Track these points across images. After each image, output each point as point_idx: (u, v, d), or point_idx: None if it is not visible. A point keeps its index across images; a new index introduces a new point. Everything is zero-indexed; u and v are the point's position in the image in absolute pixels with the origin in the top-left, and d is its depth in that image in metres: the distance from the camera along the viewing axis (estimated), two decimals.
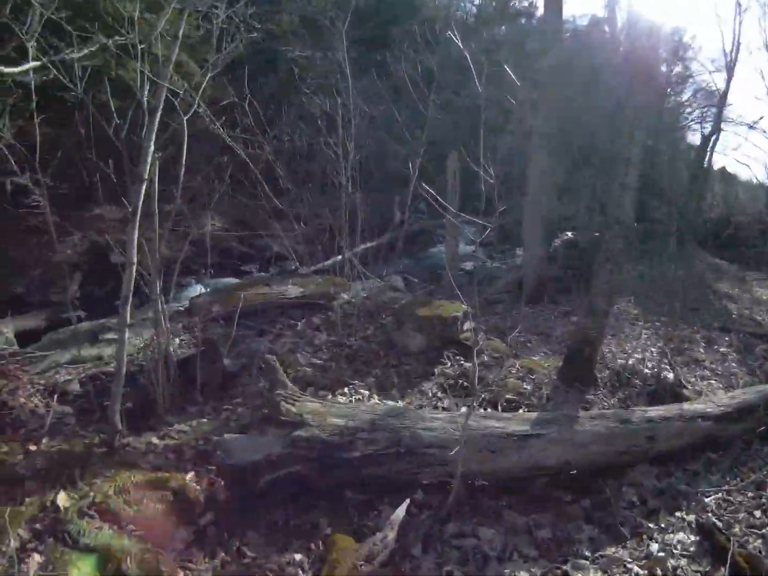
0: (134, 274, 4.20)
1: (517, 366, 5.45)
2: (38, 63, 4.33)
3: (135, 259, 4.19)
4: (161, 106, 3.86)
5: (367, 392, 5.06)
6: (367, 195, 6.40)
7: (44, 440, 4.07)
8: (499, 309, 7.82)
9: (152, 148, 4.03)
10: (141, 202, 4.14)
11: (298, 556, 3.15)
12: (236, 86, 6.31)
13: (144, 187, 4.11)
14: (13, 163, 4.67)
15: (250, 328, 5.63)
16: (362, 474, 3.61)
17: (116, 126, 4.30)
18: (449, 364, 5.51)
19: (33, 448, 4.10)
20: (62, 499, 3.30)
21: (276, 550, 3.18)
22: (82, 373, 4.85)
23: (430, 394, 5.02)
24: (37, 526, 3.13)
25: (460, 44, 5.27)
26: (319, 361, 5.47)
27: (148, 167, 4.08)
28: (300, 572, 3.07)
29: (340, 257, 7.21)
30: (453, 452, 3.34)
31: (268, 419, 3.78)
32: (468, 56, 5.05)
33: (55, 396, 4.50)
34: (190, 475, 3.89)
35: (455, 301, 5.89)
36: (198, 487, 3.74)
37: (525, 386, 5.06)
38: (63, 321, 7.45)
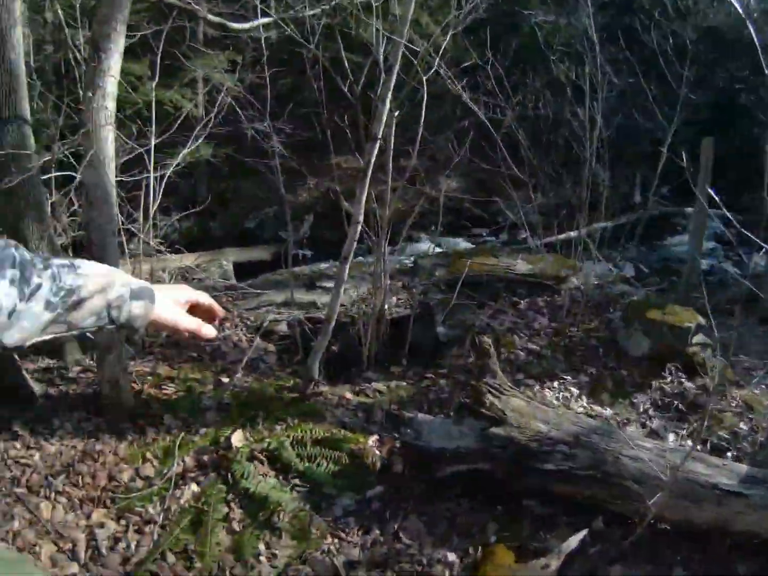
0: (358, 231, 4.14)
1: (738, 398, 4.46)
2: (267, 19, 4.41)
3: (361, 218, 4.11)
4: (398, 65, 3.65)
5: (576, 392, 4.50)
6: (612, 172, 5.65)
7: (239, 374, 4.17)
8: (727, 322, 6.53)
9: (387, 106, 3.86)
10: (373, 160, 4.02)
11: (451, 556, 2.85)
12: (478, 49, 5.98)
13: (377, 145, 3.97)
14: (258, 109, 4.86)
15: (470, 298, 5.32)
16: (549, 488, 3.21)
17: (350, 82, 4.25)
18: (669, 379, 4.69)
19: (225, 380, 4.28)
20: (237, 438, 3.36)
21: (432, 544, 2.90)
22: (291, 316, 4.95)
23: (641, 409, 4.35)
24: (205, 458, 3.22)
25: (739, 8, 4.21)
26: (535, 347, 4.99)
27: (382, 125, 3.92)
28: (447, 573, 2.78)
29: (574, 234, 6.58)
30: (653, 500, 2.72)
31: (466, 407, 3.49)
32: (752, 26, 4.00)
33: (260, 333, 4.63)
34: (373, 439, 3.78)
35: (689, 309, 4.98)
36: (377, 454, 3.62)
37: (742, 426, 4.12)
38: (286, 256, 7.98)
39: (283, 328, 4.99)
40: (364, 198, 4.11)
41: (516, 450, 3.22)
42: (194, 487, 3.08)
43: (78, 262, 0.92)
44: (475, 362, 4.01)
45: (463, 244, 8.81)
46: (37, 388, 3.87)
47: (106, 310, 0.91)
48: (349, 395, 4.37)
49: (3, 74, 3.37)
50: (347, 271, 4.19)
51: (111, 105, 3.12)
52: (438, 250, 8.08)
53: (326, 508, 3.10)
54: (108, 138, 3.17)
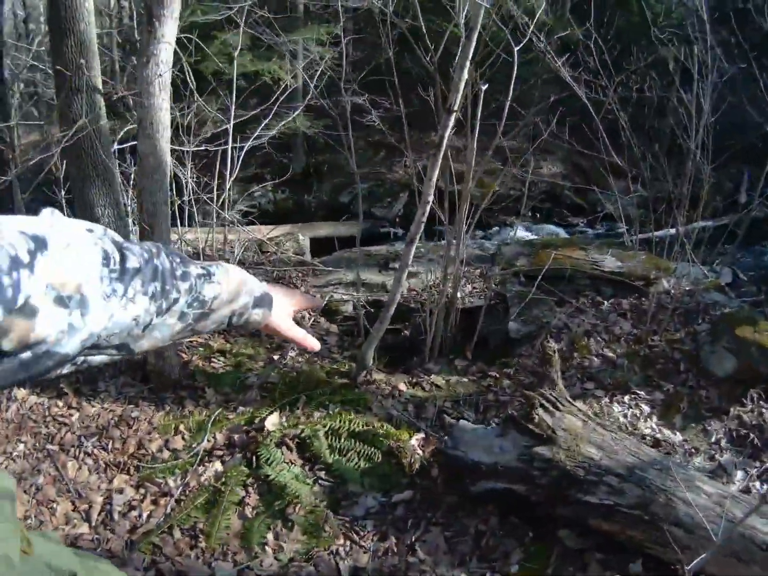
0: (427, 212, 3.91)
1: None
2: None
3: (431, 198, 3.88)
4: (477, 29, 3.31)
5: (648, 410, 4.07)
6: (716, 167, 4.96)
7: (291, 354, 4.12)
8: None
9: (465, 75, 3.55)
10: (447, 134, 3.76)
11: None
12: (580, 23, 5.44)
13: (452, 118, 3.70)
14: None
15: (550, 293, 4.95)
16: (587, 520, 2.89)
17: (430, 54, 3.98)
18: (750, 407, 4.11)
19: (275, 357, 4.24)
20: (271, 420, 3.28)
21: (448, 563, 2.69)
22: (357, 298, 4.84)
23: (713, 439, 3.85)
24: (236, 437, 3.17)
25: None
26: (611, 355, 4.55)
27: (458, 96, 3.63)
28: None
29: (672, 231, 5.95)
30: (701, 558, 2.31)
31: (513, 420, 3.19)
32: None
33: (322, 312, 4.53)
34: (417, 437, 3.59)
35: None
36: (418, 454, 3.42)
37: None
38: (379, 234, 7.89)
39: (349, 308, 4.88)
40: (435, 176, 3.88)
41: (558, 475, 2.92)
42: (218, 465, 3.08)
43: (213, 268, 0.89)
44: (540, 367, 3.71)
45: (557, 232, 8.26)
46: None
47: (228, 317, 0.92)
48: (402, 386, 4.19)
49: (73, 45, 3.44)
50: (412, 254, 3.99)
51: (166, 73, 3.09)
52: (529, 236, 7.66)
53: (346, 507, 2.98)
54: (162, 106, 3.15)
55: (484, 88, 4.08)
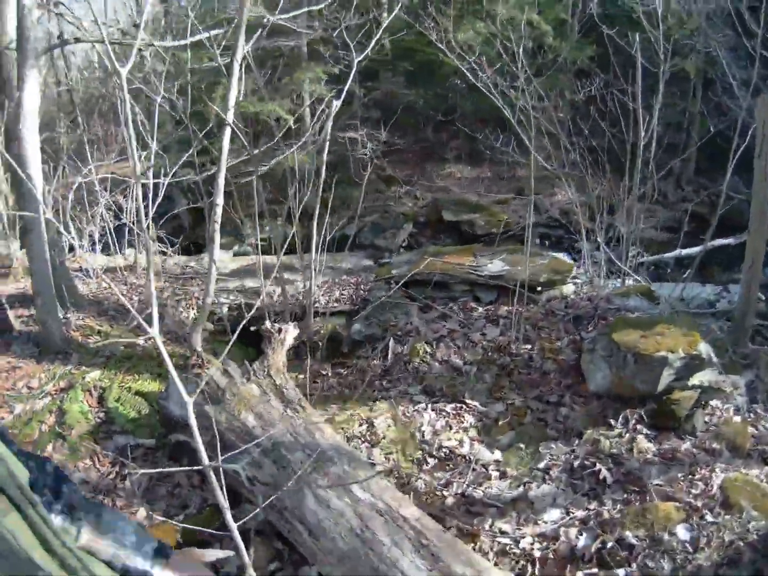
0: (219, 213, 4.07)
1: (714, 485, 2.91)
2: None
3: (219, 200, 4.03)
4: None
5: (471, 422, 3.60)
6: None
7: (148, 341, 4.40)
8: None
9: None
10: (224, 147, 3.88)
11: None
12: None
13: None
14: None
15: (418, 299, 4.60)
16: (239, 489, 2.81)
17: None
18: (617, 431, 3.30)
19: (140, 342, 4.50)
20: (90, 376, 4.02)
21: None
22: (237, 301, 5.01)
23: (541, 465, 3.23)
24: (66, 384, 3.99)
25: None
26: (458, 361, 4.06)
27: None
28: None
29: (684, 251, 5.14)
30: None
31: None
32: None
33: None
34: None
35: (691, 333, 3.45)
36: None
37: (682, 532, 2.67)
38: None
39: (224, 311, 5.02)
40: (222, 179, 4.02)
41: (211, 435, 2.74)
42: (48, 399, 3.79)
43: None
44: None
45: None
46: (16, 324, 4.67)
47: None
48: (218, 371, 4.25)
49: None
50: (215, 251, 4.18)
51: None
52: None
53: (105, 440, 3.53)
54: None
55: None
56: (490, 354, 4.06)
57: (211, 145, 7.99)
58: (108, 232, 5.91)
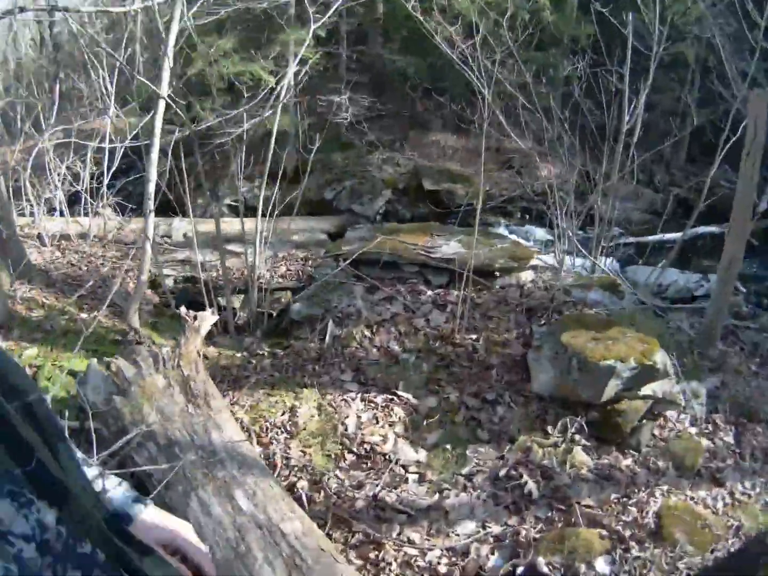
0: (152, 189, 3.84)
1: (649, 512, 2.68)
2: None
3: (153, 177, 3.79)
4: None
5: (401, 415, 3.37)
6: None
7: (96, 314, 4.19)
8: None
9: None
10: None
11: None
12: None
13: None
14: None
15: (365, 279, 4.34)
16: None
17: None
18: (553, 439, 3.07)
19: (83, 316, 4.39)
20: (28, 354, 3.84)
21: None
22: (182, 274, 4.78)
23: (464, 471, 3.02)
24: None
25: None
26: (396, 348, 3.82)
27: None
28: None
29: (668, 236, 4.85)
30: None
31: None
32: None
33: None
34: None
35: (649, 338, 3.20)
36: None
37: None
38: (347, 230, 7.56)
39: (170, 283, 4.80)
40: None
41: (118, 429, 2.69)
42: None
43: None
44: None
45: (541, 234, 7.12)
46: None
47: None
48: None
49: None
50: (151, 225, 3.98)
51: None
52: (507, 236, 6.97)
53: None
54: None
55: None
56: (431, 342, 3.81)
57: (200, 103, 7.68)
58: (61, 197, 5.65)
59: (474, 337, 3.81)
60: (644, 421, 3.20)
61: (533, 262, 4.36)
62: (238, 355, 4.09)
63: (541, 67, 6.77)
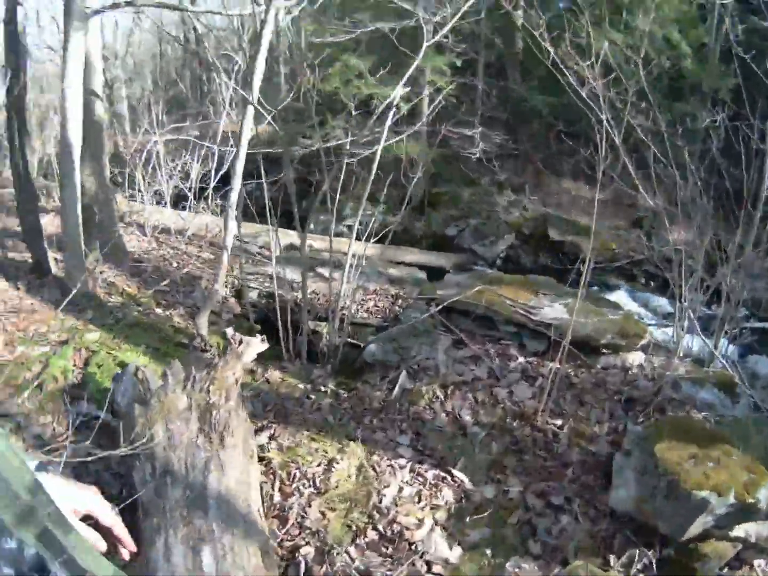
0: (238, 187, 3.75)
1: None
2: None
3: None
4: None
5: (442, 501, 2.87)
6: None
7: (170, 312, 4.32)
8: None
9: None
10: None
11: None
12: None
13: None
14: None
15: (453, 331, 3.92)
16: None
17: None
18: (612, 574, 2.52)
19: (157, 311, 4.41)
20: (89, 338, 3.93)
21: None
22: (268, 288, 4.68)
23: None
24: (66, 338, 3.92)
25: None
26: (467, 419, 3.36)
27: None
28: None
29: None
30: None
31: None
32: None
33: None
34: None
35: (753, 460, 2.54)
36: None
37: None
38: (467, 270, 7.15)
39: (253, 296, 4.71)
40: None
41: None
42: (46, 349, 3.74)
43: None
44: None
45: (662, 304, 6.26)
46: (53, 266, 4.73)
47: None
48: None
49: None
50: (227, 239, 3.83)
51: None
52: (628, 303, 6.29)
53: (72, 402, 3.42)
54: None
55: None
56: (509, 419, 3.31)
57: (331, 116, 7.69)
58: (169, 192, 5.81)
59: (559, 423, 3.27)
60: (726, 569, 2.52)
61: (644, 341, 3.73)
62: (301, 386, 3.85)
63: (678, 117, 6.05)
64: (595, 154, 3.48)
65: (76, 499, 0.92)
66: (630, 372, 3.60)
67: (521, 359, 3.74)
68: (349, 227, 8.52)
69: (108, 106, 9.48)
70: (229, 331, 3.06)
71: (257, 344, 3.05)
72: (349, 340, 4.20)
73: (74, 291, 3.62)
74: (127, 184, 5.74)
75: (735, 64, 4.95)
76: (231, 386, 2.84)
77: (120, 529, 0.95)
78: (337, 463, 3.01)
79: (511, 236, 7.36)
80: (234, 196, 3.64)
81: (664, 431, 2.79)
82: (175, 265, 5.03)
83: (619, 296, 6.60)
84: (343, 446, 3.15)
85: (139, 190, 5.79)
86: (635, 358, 3.70)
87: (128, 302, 4.39)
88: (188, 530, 2.12)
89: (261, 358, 4.31)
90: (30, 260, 4.62)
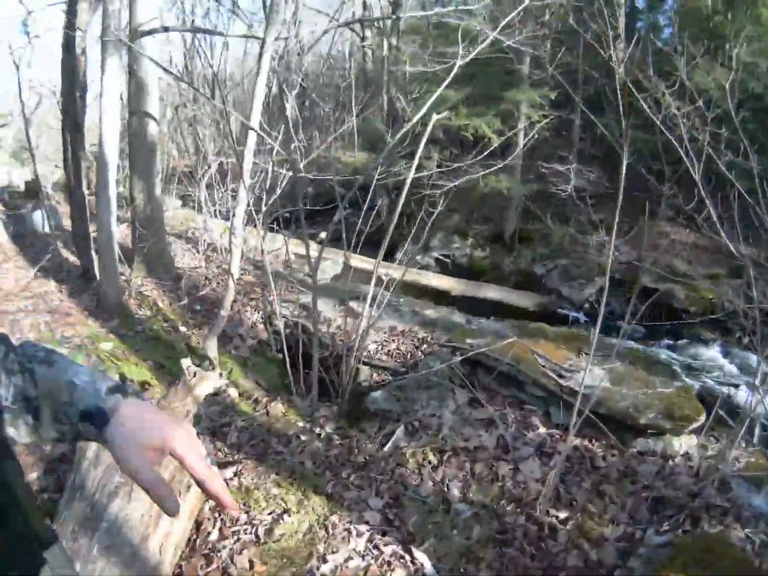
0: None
1: None
2: None
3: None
4: None
5: None
6: None
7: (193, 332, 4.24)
8: None
9: None
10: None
11: None
12: None
13: None
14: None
15: (471, 387, 3.41)
16: None
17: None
18: None
19: (182, 328, 4.33)
20: (105, 346, 4.03)
21: None
22: (295, 318, 4.46)
23: None
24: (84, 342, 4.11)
25: None
26: (457, 494, 2.85)
27: None
28: None
29: None
30: None
31: None
32: None
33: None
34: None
35: None
36: None
37: None
38: (555, 314, 6.54)
39: (281, 325, 4.49)
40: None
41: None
42: (65, 351, 3.79)
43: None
44: None
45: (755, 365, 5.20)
46: (98, 272, 4.91)
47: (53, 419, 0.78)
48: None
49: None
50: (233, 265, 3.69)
51: None
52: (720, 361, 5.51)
53: None
54: None
55: None
56: (503, 501, 2.76)
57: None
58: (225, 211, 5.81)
59: (563, 515, 2.66)
60: None
61: (696, 424, 2.99)
62: (300, 423, 3.56)
63: None
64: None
65: (156, 432, 0.74)
66: (671, 461, 2.89)
67: (542, 431, 3.16)
68: (437, 259, 8.21)
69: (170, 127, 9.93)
70: (185, 361, 2.85)
71: (213, 379, 2.83)
72: (363, 382, 3.85)
73: (103, 300, 3.69)
74: (197, 204, 5.84)
75: None
76: (179, 418, 2.62)
77: (216, 485, 0.76)
78: (290, 515, 2.68)
79: (602, 280, 6.66)
80: (236, 222, 3.45)
81: (681, 555, 2.14)
82: (214, 284, 4.98)
83: (712, 352, 5.93)
84: (305, 498, 2.80)
85: (209, 209, 5.88)
86: (684, 443, 2.98)
87: (155, 316, 4.37)
88: (70, 545, 2.07)
89: (275, 389, 4.13)
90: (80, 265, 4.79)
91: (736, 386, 4.79)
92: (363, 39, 15.17)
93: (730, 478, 2.68)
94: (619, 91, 3.33)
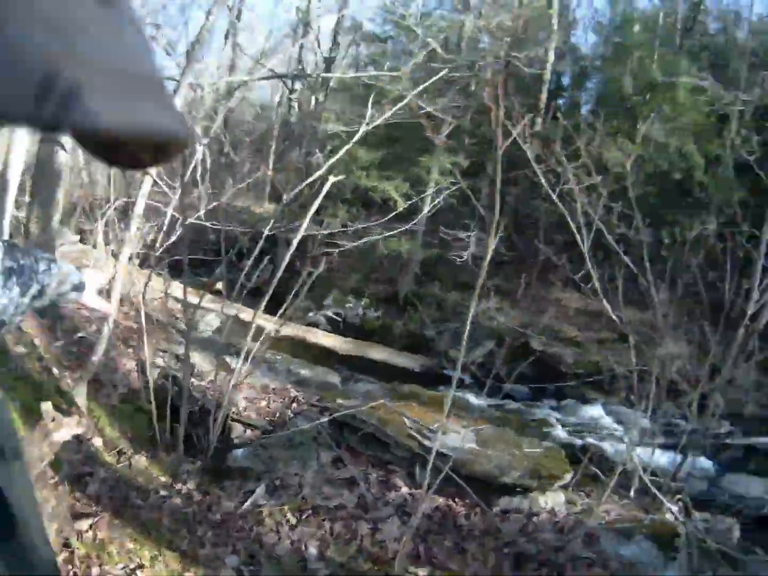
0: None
1: None
2: None
3: None
4: None
5: None
6: None
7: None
8: None
9: None
10: None
11: None
12: None
13: None
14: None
15: (352, 452, 3.38)
16: None
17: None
18: None
19: (54, 371, 4.05)
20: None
21: None
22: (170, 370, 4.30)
23: None
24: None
25: None
26: (313, 552, 2.76)
27: None
28: None
29: None
30: None
31: None
32: None
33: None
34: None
35: None
36: None
37: None
38: (440, 375, 6.62)
39: (155, 375, 4.31)
40: None
41: None
42: None
43: None
44: None
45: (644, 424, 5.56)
46: None
47: None
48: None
49: None
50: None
51: None
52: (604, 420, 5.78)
53: None
54: None
55: None
56: (362, 561, 2.69)
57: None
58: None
59: (422, 574, 2.62)
60: None
61: (562, 482, 3.06)
62: (163, 478, 3.36)
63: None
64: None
65: None
66: (535, 518, 2.92)
67: (404, 490, 3.14)
68: (329, 317, 8.19)
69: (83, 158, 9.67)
70: (45, 405, 2.67)
71: (72, 425, 2.65)
72: (235, 438, 3.72)
73: None
74: (94, 241, 5.63)
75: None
76: (32, 464, 2.42)
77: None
78: (142, 570, 2.50)
79: (491, 344, 6.86)
80: (125, 253, 3.33)
81: None
82: (95, 327, 4.75)
83: (595, 410, 6.29)
84: (159, 554, 2.63)
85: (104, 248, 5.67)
86: (551, 500, 3.03)
87: (31, 354, 4.10)
88: None
89: (141, 440, 3.91)
90: None
91: (621, 440, 5.06)
92: (291, 92, 15.40)
93: (600, 531, 2.74)
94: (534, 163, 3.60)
